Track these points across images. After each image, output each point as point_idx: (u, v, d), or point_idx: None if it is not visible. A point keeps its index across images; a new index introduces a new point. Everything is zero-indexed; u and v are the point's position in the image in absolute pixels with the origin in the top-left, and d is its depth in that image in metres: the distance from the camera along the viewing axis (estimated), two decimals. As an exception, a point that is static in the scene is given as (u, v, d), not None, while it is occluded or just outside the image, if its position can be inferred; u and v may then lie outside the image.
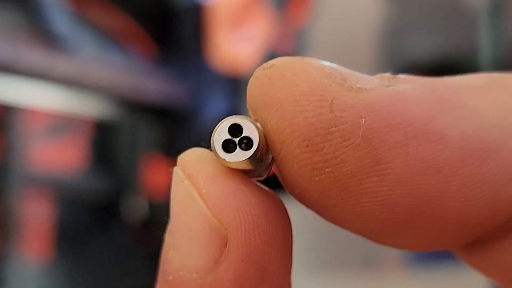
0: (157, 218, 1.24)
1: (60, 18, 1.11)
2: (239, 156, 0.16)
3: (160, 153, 1.29)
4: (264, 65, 0.16)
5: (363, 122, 0.15)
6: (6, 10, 1.08)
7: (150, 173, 1.28)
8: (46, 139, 1.27)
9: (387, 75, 0.16)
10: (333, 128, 0.15)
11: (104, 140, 1.34)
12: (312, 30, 1.36)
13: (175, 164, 0.17)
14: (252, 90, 0.16)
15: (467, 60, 1.03)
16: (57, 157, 1.27)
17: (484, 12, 0.88)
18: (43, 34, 1.10)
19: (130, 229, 1.28)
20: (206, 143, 0.16)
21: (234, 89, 1.27)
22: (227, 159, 0.16)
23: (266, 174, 0.16)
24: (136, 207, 1.27)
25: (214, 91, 1.27)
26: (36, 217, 1.22)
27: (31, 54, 1.05)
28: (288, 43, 1.32)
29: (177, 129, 1.28)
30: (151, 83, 1.23)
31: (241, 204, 0.15)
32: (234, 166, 0.16)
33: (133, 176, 1.29)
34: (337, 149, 0.15)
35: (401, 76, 0.16)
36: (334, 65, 0.16)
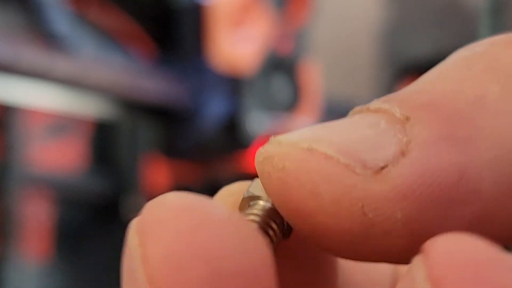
0: (157, 218, 1.24)
1: (60, 18, 1.11)
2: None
3: (160, 153, 1.29)
4: (271, 159, 0.15)
5: (400, 216, 0.14)
6: (6, 10, 1.08)
7: (150, 173, 1.28)
8: (46, 139, 1.27)
9: (398, 114, 0.15)
10: (370, 230, 0.14)
11: (104, 140, 1.34)
12: (312, 30, 1.36)
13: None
14: (269, 190, 0.15)
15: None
16: (57, 157, 1.27)
17: (484, 12, 0.88)
18: (43, 34, 1.10)
19: (130, 229, 1.28)
20: None
21: (234, 89, 1.27)
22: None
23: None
24: (136, 207, 1.27)
25: (214, 91, 1.27)
26: (36, 217, 1.22)
27: (31, 54, 1.05)
28: (288, 43, 1.32)
29: (177, 129, 1.28)
30: (151, 83, 1.23)
31: None
32: None
33: (133, 176, 1.29)
34: (380, 242, 0.14)
35: (414, 113, 0.15)
36: (347, 141, 0.15)
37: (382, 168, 0.14)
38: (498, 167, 0.14)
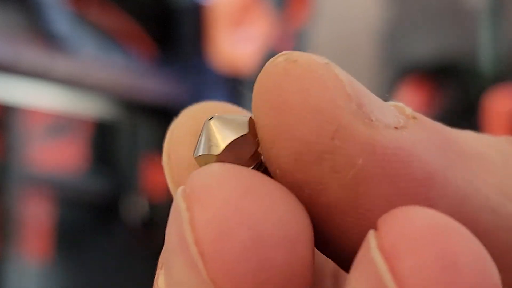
0: (157, 218, 1.24)
1: (60, 18, 1.11)
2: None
3: (160, 153, 1.29)
4: (289, 55, 0.15)
5: (360, 162, 0.14)
6: (6, 10, 1.09)
7: (150, 173, 1.28)
8: (46, 139, 1.27)
9: (408, 111, 0.15)
10: (327, 155, 0.14)
11: (104, 140, 1.34)
12: (312, 30, 1.36)
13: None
14: (264, 77, 0.15)
15: (468, 61, 1.03)
16: (57, 157, 1.27)
17: (484, 13, 0.88)
18: (43, 34, 1.10)
19: (130, 229, 1.28)
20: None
21: (234, 89, 1.27)
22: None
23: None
24: (136, 207, 1.27)
25: (214, 91, 1.27)
26: (36, 217, 1.22)
27: (31, 54, 1.05)
28: (288, 43, 1.32)
29: (177, 129, 1.28)
30: (151, 83, 1.23)
31: None
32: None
33: (133, 176, 1.29)
34: (322, 177, 0.14)
35: (422, 118, 0.15)
36: (357, 85, 0.15)
37: (373, 121, 0.14)
38: (456, 208, 0.15)
